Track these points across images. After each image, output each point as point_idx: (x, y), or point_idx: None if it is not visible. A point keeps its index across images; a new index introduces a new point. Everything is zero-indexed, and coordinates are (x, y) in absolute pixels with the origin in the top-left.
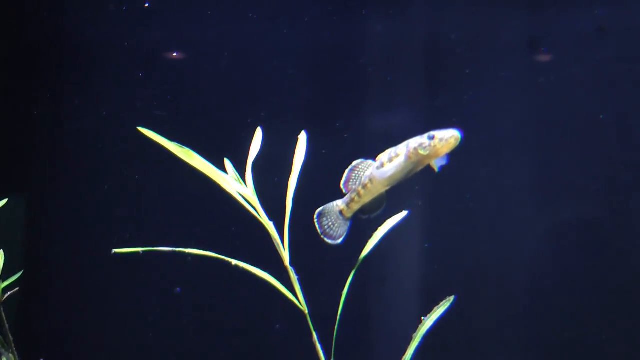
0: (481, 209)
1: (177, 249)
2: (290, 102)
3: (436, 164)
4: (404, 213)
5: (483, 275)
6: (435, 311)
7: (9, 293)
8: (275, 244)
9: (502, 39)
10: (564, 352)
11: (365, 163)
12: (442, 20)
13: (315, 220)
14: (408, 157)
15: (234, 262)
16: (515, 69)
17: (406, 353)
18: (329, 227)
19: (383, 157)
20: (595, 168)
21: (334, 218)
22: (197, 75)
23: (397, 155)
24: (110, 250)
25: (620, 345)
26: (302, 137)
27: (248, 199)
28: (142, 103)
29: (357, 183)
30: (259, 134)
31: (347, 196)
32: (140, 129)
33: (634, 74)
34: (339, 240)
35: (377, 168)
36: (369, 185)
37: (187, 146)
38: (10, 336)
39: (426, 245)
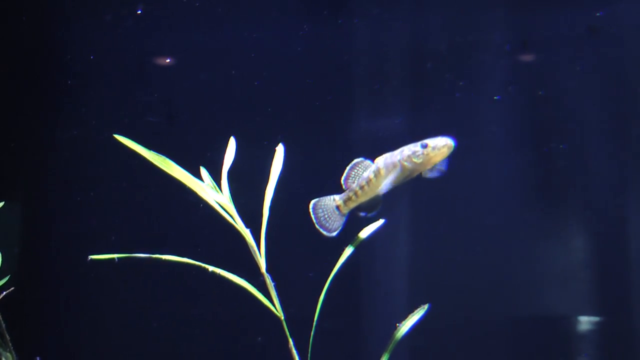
0: (469, 211)
1: (154, 255)
2: (275, 110)
3: (433, 170)
4: (379, 223)
5: (471, 279)
6: (409, 318)
7: (5, 293)
8: (252, 251)
9: (490, 41)
10: (554, 350)
11: (364, 163)
12: (429, 24)
13: (311, 210)
14: (402, 165)
15: (210, 268)
16: (503, 71)
17: (382, 358)
18: (325, 219)
19: (379, 162)
20: (585, 167)
21: (329, 211)
22: (186, 82)
23: (392, 162)
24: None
25: (614, 341)
26: (280, 149)
27: (224, 206)
28: (135, 109)
29: (356, 182)
30: (232, 144)
31: (344, 193)
32: (117, 136)
33: (623, 74)
34: (334, 233)
35: (374, 172)
36: (365, 187)
37: (166, 155)
38: (7, 335)
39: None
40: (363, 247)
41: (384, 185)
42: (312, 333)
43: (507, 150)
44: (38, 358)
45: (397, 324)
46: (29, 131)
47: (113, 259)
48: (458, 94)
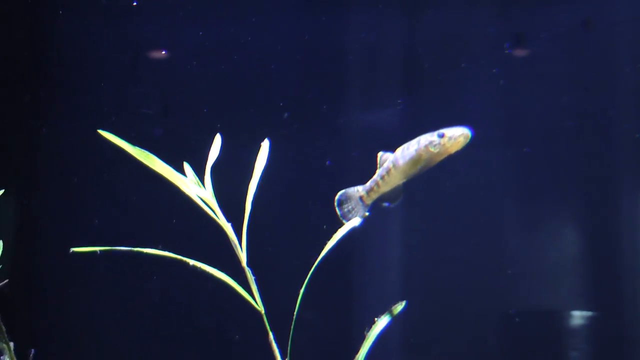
0: (461, 205)
1: (135, 249)
2: (268, 104)
3: None
4: (357, 221)
5: (462, 274)
6: (388, 313)
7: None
8: (233, 245)
9: (485, 35)
10: (546, 345)
11: (386, 155)
12: (424, 17)
13: (336, 204)
14: (419, 155)
15: (191, 262)
16: (497, 66)
17: (359, 352)
18: (349, 210)
19: (398, 152)
20: (579, 166)
21: (354, 203)
22: (181, 75)
23: (409, 152)
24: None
25: (606, 336)
26: (265, 144)
27: (206, 201)
28: (130, 101)
29: (378, 174)
30: (218, 139)
31: (367, 184)
32: (101, 131)
33: (615, 69)
34: (357, 224)
35: (393, 162)
36: (385, 177)
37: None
38: (3, 327)
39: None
40: (356, 242)
41: (402, 172)
42: (292, 327)
43: (499, 145)
44: (33, 350)
45: (376, 319)
46: (21, 125)
47: (95, 251)
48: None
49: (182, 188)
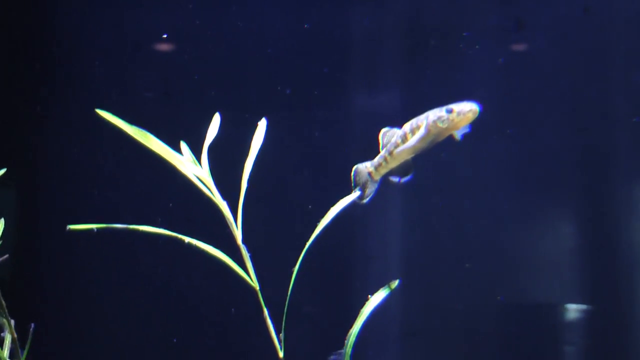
0: (458, 197)
1: (131, 226)
2: (266, 88)
3: (458, 134)
4: (354, 196)
5: (460, 266)
6: (382, 290)
7: (1, 259)
8: (228, 223)
9: (488, 21)
10: (542, 338)
11: (392, 130)
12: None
13: (352, 175)
14: (428, 130)
15: (187, 239)
16: (501, 53)
17: (352, 328)
18: (362, 186)
19: (406, 127)
20: (576, 155)
21: (363, 178)
22: (180, 57)
23: (418, 127)
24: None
25: (603, 329)
26: (262, 124)
27: (203, 180)
28: (130, 87)
29: (387, 149)
30: (216, 119)
31: (375, 160)
32: (98, 111)
33: (616, 57)
34: (365, 200)
35: (401, 137)
36: (394, 152)
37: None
38: (3, 301)
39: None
40: (354, 226)
41: (411, 147)
42: (286, 303)
43: (498, 134)
44: (32, 325)
45: (369, 295)
46: (22, 106)
47: (92, 229)
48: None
49: (179, 167)
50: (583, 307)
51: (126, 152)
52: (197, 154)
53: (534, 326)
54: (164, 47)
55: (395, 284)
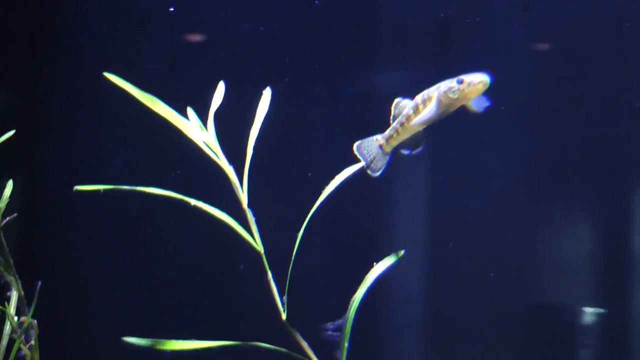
0: (472, 193)
1: (138, 188)
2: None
3: (477, 106)
4: (358, 165)
5: (474, 266)
6: (387, 258)
7: (8, 218)
8: (234, 187)
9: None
10: (556, 340)
11: (404, 101)
12: None
13: (356, 151)
14: (439, 101)
15: (193, 202)
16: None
17: (356, 294)
18: (369, 159)
19: (418, 98)
20: (593, 153)
21: (374, 151)
22: (186, 28)
23: (429, 98)
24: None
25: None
26: (267, 93)
27: (209, 144)
28: (136, 57)
29: (398, 120)
30: (221, 87)
31: (386, 132)
32: (106, 74)
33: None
34: (378, 173)
35: (413, 108)
36: (405, 124)
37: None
38: (11, 259)
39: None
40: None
41: (422, 118)
42: (290, 266)
43: (516, 128)
44: (39, 282)
45: (374, 263)
46: (27, 76)
47: (98, 190)
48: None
49: (185, 132)
50: (600, 310)
51: (133, 119)
52: (203, 122)
53: (551, 328)
54: (170, 18)
55: (401, 253)
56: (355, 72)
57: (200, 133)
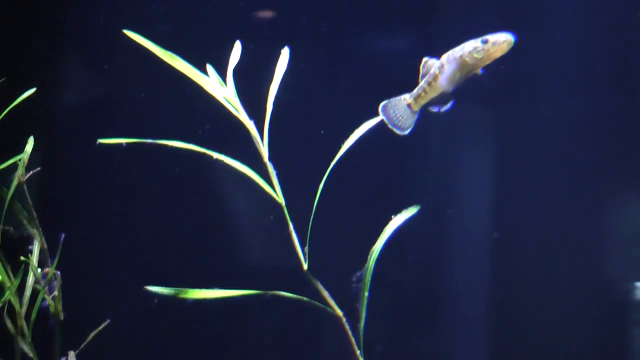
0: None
1: (160, 141)
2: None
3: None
4: (377, 119)
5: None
6: (405, 211)
7: (32, 172)
8: (255, 142)
9: None
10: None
11: (431, 61)
12: None
13: (381, 112)
14: (464, 60)
15: (215, 155)
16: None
17: (375, 245)
18: (397, 118)
19: (443, 58)
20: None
21: (401, 110)
22: None
23: (454, 58)
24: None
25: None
26: (285, 51)
27: (229, 100)
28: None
29: (425, 80)
30: (237, 45)
31: (414, 91)
32: (127, 32)
33: None
34: (407, 131)
35: (439, 68)
36: (432, 83)
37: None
38: (34, 212)
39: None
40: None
41: (448, 78)
42: (311, 218)
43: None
44: (62, 235)
45: (393, 216)
46: (45, 35)
47: (121, 144)
48: None
49: (205, 87)
50: None
51: (150, 76)
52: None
53: (605, 305)
54: None
55: (416, 208)
56: (373, 33)
57: (220, 89)
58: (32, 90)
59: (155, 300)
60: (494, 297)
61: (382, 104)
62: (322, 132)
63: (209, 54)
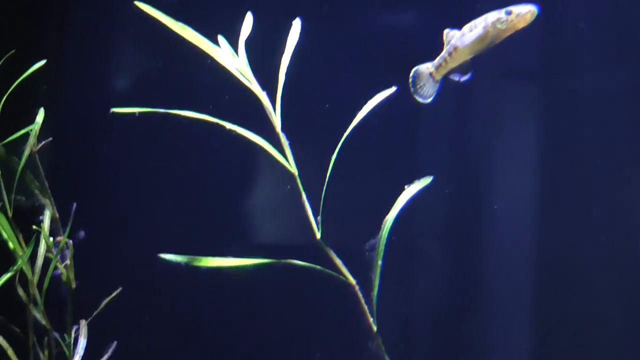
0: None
1: (172, 111)
2: None
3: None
4: (390, 90)
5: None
6: (417, 182)
7: (43, 142)
8: (268, 112)
9: None
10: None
11: (452, 32)
12: None
13: (411, 82)
14: (486, 31)
15: (228, 125)
16: None
17: (388, 215)
18: (420, 87)
19: (465, 29)
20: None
21: (425, 79)
22: None
23: (477, 29)
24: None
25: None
26: (296, 23)
27: (241, 70)
28: None
29: (446, 49)
30: (249, 17)
31: (436, 61)
32: (137, 3)
33: None
34: (429, 99)
35: (460, 39)
36: (453, 53)
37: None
38: (46, 183)
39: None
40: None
41: (469, 48)
42: (324, 188)
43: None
44: (74, 204)
45: (406, 186)
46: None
47: (134, 113)
48: None
49: (217, 58)
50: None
51: (163, 47)
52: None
53: None
54: None
55: (429, 179)
56: (385, 7)
57: (232, 59)
58: (42, 62)
59: (183, 265)
60: (535, 278)
61: (413, 70)
62: (327, 105)
63: (219, 28)
